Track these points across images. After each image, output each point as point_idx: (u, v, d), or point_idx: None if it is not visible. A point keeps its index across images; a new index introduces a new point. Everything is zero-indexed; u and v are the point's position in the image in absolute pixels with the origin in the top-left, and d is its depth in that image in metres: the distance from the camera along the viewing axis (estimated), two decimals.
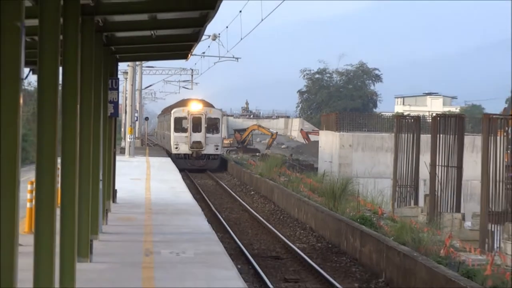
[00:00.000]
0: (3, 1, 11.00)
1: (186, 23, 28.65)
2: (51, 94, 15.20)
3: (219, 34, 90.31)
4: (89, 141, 23.70)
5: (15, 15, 10.99)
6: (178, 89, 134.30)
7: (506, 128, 51.15)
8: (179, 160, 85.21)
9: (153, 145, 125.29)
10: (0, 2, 11.00)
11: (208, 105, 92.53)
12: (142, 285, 21.73)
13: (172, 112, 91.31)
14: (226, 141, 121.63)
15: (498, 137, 50.51)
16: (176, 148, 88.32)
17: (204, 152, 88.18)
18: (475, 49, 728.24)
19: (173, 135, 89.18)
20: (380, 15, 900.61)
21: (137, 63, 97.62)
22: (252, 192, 71.08)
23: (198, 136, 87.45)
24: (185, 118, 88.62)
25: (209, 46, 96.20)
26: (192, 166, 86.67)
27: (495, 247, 44.63)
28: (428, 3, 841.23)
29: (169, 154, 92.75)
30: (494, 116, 54.38)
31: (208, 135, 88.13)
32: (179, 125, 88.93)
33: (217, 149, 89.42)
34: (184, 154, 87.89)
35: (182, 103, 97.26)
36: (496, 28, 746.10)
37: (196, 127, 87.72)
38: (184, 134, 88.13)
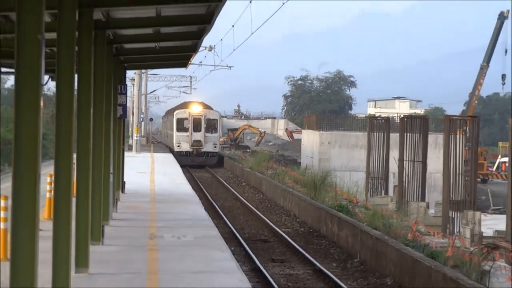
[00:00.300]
0: (27, 16, 10.95)
1: (186, 36, 28.61)
2: (67, 98, 15.16)
3: (214, 45, 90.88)
4: (101, 139, 23.64)
5: (36, 29, 10.94)
6: (178, 93, 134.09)
7: (464, 128, 51.25)
8: (181, 157, 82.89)
9: (156, 142, 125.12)
10: (25, 18, 10.95)
11: (207, 107, 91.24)
12: (148, 265, 21.68)
13: (175, 113, 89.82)
14: (221, 139, 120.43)
15: (457, 136, 50.64)
16: (178, 146, 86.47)
17: (204, 149, 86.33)
18: (437, 59, 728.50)
19: (176, 134, 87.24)
20: (360, 30, 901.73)
21: (143, 71, 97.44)
22: (244, 184, 71.11)
23: (198, 135, 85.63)
24: (186, 119, 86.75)
25: (205, 56, 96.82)
26: (192, 163, 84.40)
27: (455, 231, 44.69)
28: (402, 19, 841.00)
29: (171, 151, 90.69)
30: (453, 117, 54.54)
31: (207, 134, 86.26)
32: (181, 125, 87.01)
33: (215, 147, 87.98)
34: (186, 152, 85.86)
35: (184, 105, 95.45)
36: (454, 41, 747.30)
37: (196, 127, 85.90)
38: (185, 134, 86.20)
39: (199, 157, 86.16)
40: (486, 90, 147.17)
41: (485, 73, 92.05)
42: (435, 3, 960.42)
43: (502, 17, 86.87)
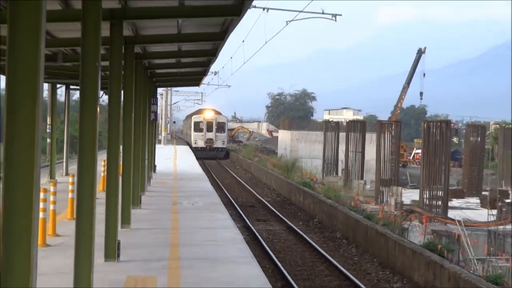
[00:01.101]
0: (88, 50, 10.92)
1: (198, 64, 28.60)
2: (116, 107, 15.14)
3: (218, 71, 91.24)
4: (139, 135, 23.62)
5: (95, 59, 10.92)
6: (193, 104, 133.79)
7: (390, 129, 51.34)
8: (197, 151, 78.39)
9: (178, 138, 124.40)
10: (87, 51, 10.92)
11: (217, 113, 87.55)
12: (171, 223, 21.68)
13: (193, 117, 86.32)
14: None
15: (386, 135, 50.74)
16: (195, 143, 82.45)
17: (215, 146, 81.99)
18: (378, 80, 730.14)
19: (193, 134, 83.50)
20: (318, 60, 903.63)
21: (168, 88, 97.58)
22: (238, 167, 71.21)
23: (210, 135, 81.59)
24: (201, 122, 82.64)
25: (212, 78, 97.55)
26: (206, 156, 79.31)
27: (384, 200, 44.71)
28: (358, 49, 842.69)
29: (189, 146, 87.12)
30: (383, 122, 54.68)
31: (217, 134, 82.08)
32: (197, 127, 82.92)
33: (223, 143, 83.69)
34: (201, 147, 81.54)
35: (200, 111, 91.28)
36: (389, 67, 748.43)
37: (209, 128, 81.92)
38: (201, 133, 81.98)
39: (211, 152, 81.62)
40: (406, 103, 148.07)
41: (406, 91, 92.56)
42: (374, 43, 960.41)
43: (420, 52, 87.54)
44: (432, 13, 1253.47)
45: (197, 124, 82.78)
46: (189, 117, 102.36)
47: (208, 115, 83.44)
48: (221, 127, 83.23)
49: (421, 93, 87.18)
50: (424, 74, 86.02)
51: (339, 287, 20.59)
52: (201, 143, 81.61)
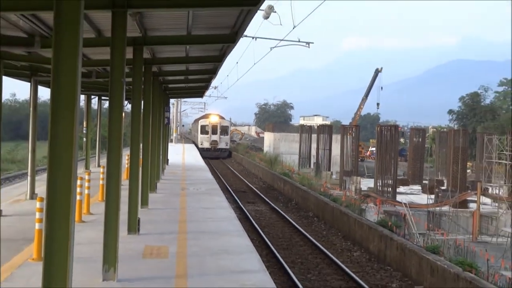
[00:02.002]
0: (115, 69, 10.91)
1: (202, 80, 28.57)
2: (137, 113, 15.11)
3: (217, 86, 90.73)
4: (155, 136, 23.57)
5: (121, 75, 10.91)
6: (197, 111, 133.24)
7: (351, 132, 51.41)
8: (203, 151, 70.34)
9: (186, 138, 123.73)
10: (114, 69, 10.91)
11: (222, 118, 78.65)
12: (180, 204, 21.65)
13: (199, 121, 78.13)
14: None
15: (348, 136, 50.81)
16: (201, 144, 74.16)
17: (219, 146, 73.79)
18: (342, 93, 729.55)
19: (200, 136, 75.12)
20: (296, 77, 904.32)
21: (179, 99, 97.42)
22: (233, 161, 71.04)
23: (215, 137, 73.32)
24: (207, 125, 74.26)
25: (212, 91, 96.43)
26: (211, 156, 71.48)
27: (347, 187, 44.80)
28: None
29: (196, 146, 78.44)
30: (346, 126, 54.76)
31: (221, 136, 73.77)
32: (203, 130, 74.52)
33: (226, 144, 75.35)
34: (206, 148, 73.12)
35: (206, 116, 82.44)
36: (355, 82, 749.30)
37: (214, 131, 73.62)
38: (206, 135, 73.57)
39: (216, 152, 73.50)
40: (365, 111, 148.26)
41: (364, 102, 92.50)
42: (340, 64, 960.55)
43: (377, 71, 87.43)
44: (382, 42, 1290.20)
45: (203, 127, 75.62)
46: (196, 121, 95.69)
47: (213, 119, 75.80)
48: (224, 130, 75.98)
49: (377, 104, 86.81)
50: (382, 88, 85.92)
51: (311, 254, 20.63)
52: (206, 144, 74.28)
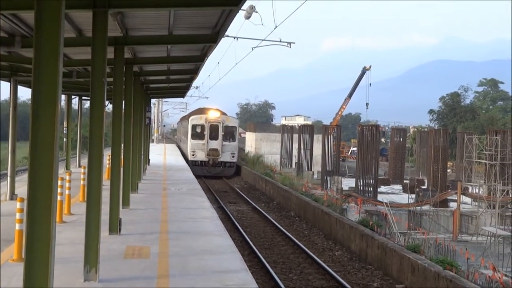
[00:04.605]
0: (96, 69, 10.88)
1: (183, 80, 28.51)
2: (118, 113, 15.06)
3: (198, 86, 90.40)
4: (137, 136, 23.50)
5: (102, 75, 10.87)
6: (179, 111, 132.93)
7: (333, 132, 51.64)
8: (195, 167, 46.31)
9: (167, 138, 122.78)
10: (95, 69, 10.88)
11: (224, 113, 53.68)
12: (162, 204, 21.59)
13: (190, 119, 50.97)
14: None
15: (329, 136, 51.02)
16: (193, 155, 48.32)
17: (221, 159, 48.18)
18: (326, 93, 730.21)
19: (190, 142, 49.06)
20: (278, 77, 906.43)
21: (160, 99, 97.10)
22: None
23: (215, 143, 48.09)
24: (203, 125, 48.79)
25: (194, 91, 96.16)
26: (208, 173, 47.80)
27: (328, 187, 44.95)
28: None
29: (185, 158, 51.32)
30: (327, 126, 54.99)
31: (224, 143, 48.30)
32: (196, 132, 48.98)
33: (233, 156, 48.75)
34: (201, 161, 48.20)
35: (200, 111, 55.44)
36: (333, 82, 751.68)
37: (213, 134, 48.42)
38: (201, 141, 48.28)
39: (216, 167, 48.33)
40: (351, 111, 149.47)
41: (347, 102, 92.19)
42: (320, 65, 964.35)
43: (364, 69, 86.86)
44: (361, 43, 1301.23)
45: (196, 128, 49.46)
46: (184, 119, 67.17)
47: (213, 115, 49.60)
48: (230, 133, 49.47)
49: (367, 104, 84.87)
50: (370, 84, 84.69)
51: (293, 254, 20.69)
52: (201, 155, 48.35)
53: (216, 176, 47.74)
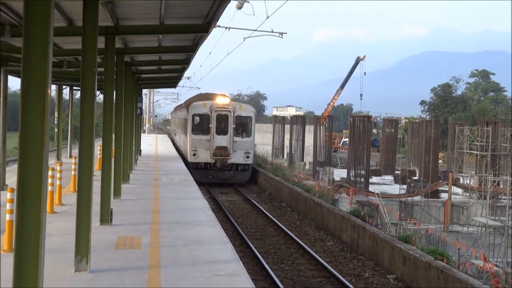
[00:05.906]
0: (87, 58, 10.82)
1: (175, 70, 28.44)
2: (109, 104, 15.01)
3: (190, 76, 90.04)
4: (128, 126, 23.41)
5: (92, 65, 10.82)
6: (170, 102, 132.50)
7: (324, 122, 51.68)
8: (196, 171, 35.26)
9: (158, 129, 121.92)
10: (86, 59, 10.82)
11: (233, 100, 43.87)
12: (153, 194, 21.57)
13: (190, 107, 37.66)
14: None
15: (321, 126, 51.05)
16: (194, 155, 36.32)
17: (232, 160, 36.35)
18: (321, 83, 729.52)
19: (191, 137, 36.70)
20: (270, 68, 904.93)
21: (152, 89, 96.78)
22: None
23: (223, 139, 36.26)
24: (208, 114, 36.36)
25: (185, 82, 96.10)
26: (214, 179, 36.50)
27: (320, 177, 45.01)
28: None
29: (183, 159, 38.93)
30: (318, 116, 55.00)
31: (236, 138, 36.38)
32: (198, 124, 36.95)
33: (247, 157, 36.56)
34: (204, 163, 36.41)
35: (204, 96, 42.81)
36: (333, 71, 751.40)
37: (222, 127, 36.51)
38: (205, 137, 36.22)
39: (225, 171, 36.54)
40: (343, 101, 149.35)
41: (339, 93, 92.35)
42: (312, 55, 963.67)
43: (358, 59, 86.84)
44: (353, 34, 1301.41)
45: (196, 118, 37.28)
46: (181, 108, 51.85)
47: (221, 101, 37.04)
48: (243, 125, 37.36)
49: (361, 95, 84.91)
50: (365, 73, 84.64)
51: (285, 244, 20.72)
52: (205, 156, 36.48)
53: (225, 183, 36.77)
